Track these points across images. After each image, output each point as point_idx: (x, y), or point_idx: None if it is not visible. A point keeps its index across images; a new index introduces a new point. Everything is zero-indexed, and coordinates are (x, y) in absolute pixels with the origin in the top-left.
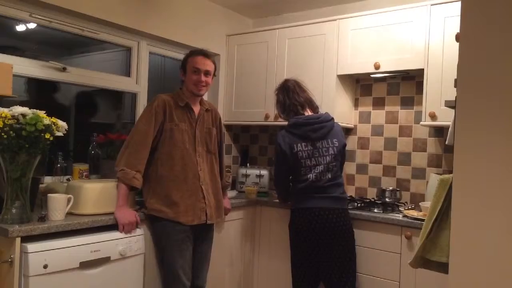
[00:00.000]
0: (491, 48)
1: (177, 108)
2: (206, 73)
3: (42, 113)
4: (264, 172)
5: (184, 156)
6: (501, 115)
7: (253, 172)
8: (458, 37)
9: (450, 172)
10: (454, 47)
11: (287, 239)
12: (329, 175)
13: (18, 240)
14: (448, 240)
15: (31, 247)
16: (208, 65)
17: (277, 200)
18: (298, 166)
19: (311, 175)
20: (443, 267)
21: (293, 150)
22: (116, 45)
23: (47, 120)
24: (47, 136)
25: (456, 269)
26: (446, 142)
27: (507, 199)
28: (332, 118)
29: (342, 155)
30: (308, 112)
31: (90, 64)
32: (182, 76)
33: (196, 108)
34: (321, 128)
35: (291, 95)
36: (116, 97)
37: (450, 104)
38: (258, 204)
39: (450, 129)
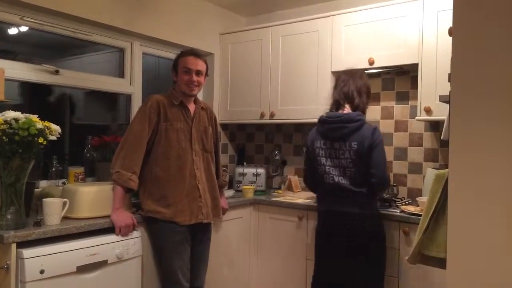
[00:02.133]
0: (484, 42)
1: (171, 107)
2: (198, 72)
3: (35, 117)
4: (261, 170)
5: (180, 155)
6: (495, 109)
7: (250, 171)
8: (451, 32)
9: (447, 166)
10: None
11: (285, 238)
12: (347, 182)
13: (13, 246)
14: (445, 236)
15: (27, 252)
16: (200, 65)
17: (275, 199)
18: (316, 163)
19: (327, 176)
20: (441, 263)
21: (313, 146)
22: (109, 47)
23: (40, 124)
24: (41, 140)
25: (453, 264)
26: (442, 137)
27: (502, 193)
28: (360, 120)
29: (368, 158)
30: (345, 110)
31: (84, 66)
32: (174, 77)
33: (191, 107)
34: (340, 128)
35: (333, 90)
36: (111, 99)
37: (444, 99)
38: (255, 203)
39: (445, 124)
